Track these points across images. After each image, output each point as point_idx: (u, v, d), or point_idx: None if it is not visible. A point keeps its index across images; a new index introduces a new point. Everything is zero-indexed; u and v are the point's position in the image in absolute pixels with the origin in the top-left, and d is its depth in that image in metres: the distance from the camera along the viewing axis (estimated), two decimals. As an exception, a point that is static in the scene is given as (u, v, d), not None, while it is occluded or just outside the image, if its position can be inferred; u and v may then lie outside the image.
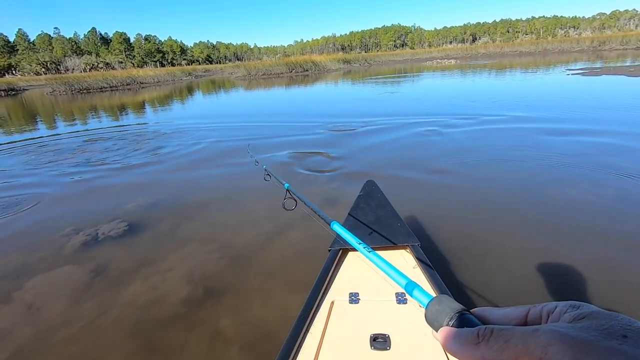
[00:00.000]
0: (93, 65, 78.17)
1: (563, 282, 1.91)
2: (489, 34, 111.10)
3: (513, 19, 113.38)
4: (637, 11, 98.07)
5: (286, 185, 1.41)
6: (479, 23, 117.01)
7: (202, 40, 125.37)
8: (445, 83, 14.57)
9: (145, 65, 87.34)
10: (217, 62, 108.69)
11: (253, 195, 3.50)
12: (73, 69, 74.15)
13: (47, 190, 4.04)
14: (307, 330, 1.15)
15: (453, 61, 36.54)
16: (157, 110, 12.29)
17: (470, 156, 4.23)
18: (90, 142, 6.90)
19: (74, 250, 2.58)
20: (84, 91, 26.60)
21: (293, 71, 31.17)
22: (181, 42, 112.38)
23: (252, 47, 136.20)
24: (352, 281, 1.40)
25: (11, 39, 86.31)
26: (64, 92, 26.16)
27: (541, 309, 0.28)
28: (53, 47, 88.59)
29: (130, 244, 2.64)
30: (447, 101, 8.86)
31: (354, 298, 1.30)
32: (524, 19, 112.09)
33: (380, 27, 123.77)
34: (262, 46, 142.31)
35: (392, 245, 1.55)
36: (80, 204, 3.60)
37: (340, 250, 1.56)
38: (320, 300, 1.29)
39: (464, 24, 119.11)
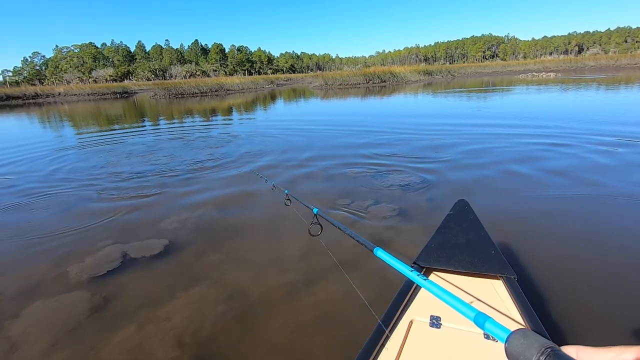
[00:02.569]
0: (192, 72, 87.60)
1: None
2: (599, 44, 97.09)
3: (633, 27, 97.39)
4: None
5: (315, 210, 1.34)
6: (587, 32, 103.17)
7: (288, 51, 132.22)
8: (552, 100, 12.64)
9: (235, 74, 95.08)
10: (299, 72, 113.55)
11: (287, 226, 3.05)
12: (175, 76, 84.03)
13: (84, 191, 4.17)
14: (383, 345, 1.12)
15: (552, 74, 32.34)
16: (230, 115, 12.83)
17: (584, 185, 3.61)
18: (163, 141, 7.29)
19: (88, 275, 2.39)
20: (179, 96, 29.60)
21: (370, 82, 30.67)
22: (269, 52, 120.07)
23: (333, 57, 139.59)
24: (434, 303, 1.31)
25: (132, 50, 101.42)
26: (163, 97, 29.42)
27: (637, 352, 0.26)
28: (163, 57, 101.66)
29: (148, 273, 2.38)
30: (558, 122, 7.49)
31: (435, 322, 1.24)
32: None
33: (468, 37, 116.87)
34: (343, 57, 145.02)
35: (483, 273, 1.45)
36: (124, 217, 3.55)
37: (424, 269, 1.51)
38: (399, 316, 1.25)
39: (569, 34, 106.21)
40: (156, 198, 3.93)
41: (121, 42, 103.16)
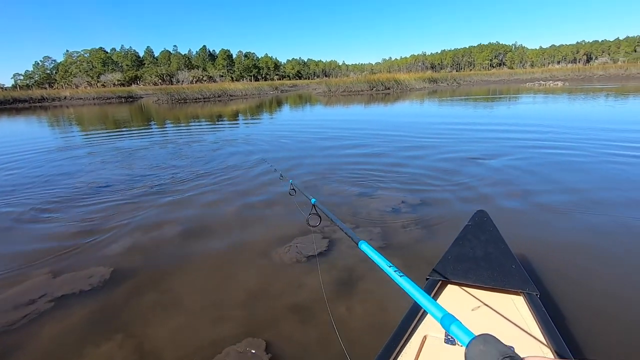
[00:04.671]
0: (199, 78, 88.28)
1: None
2: (609, 54, 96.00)
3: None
4: None
5: (313, 200, 1.33)
6: (596, 41, 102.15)
7: (295, 57, 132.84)
8: (565, 109, 12.19)
9: (242, 79, 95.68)
10: (306, 78, 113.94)
11: (241, 261, 2.69)
12: (183, 81, 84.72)
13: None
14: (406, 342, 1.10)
15: (560, 83, 31.77)
16: (219, 121, 12.58)
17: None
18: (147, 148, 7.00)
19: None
20: (182, 101, 29.59)
21: (374, 89, 30.40)
22: (275, 58, 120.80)
23: (340, 64, 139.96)
24: None
25: (141, 54, 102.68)
26: (165, 102, 29.43)
27: None
28: (170, 62, 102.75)
29: (65, 319, 2.03)
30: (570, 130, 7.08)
31: (449, 338, 1.14)
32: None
33: (475, 45, 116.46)
34: (350, 63, 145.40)
35: (503, 288, 1.39)
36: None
37: (440, 282, 1.45)
38: (412, 331, 1.20)
39: (577, 42, 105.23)
40: (114, 211, 3.59)
41: (130, 47, 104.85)
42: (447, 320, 0.40)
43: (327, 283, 2.23)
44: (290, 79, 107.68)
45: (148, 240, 3.01)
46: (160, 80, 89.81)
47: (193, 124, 12.98)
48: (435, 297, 1.38)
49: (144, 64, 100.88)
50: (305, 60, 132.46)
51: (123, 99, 39.19)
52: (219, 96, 32.71)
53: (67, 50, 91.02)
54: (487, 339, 0.31)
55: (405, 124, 9.80)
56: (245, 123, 12.90)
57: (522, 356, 0.30)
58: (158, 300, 2.15)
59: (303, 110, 18.04)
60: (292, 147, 7.20)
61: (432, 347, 1.15)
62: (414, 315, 1.25)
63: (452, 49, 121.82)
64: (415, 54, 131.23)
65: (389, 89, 30.68)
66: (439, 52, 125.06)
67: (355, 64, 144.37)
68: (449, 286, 1.47)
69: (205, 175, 5.10)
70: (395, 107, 16.80)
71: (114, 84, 78.78)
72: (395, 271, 0.59)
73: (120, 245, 2.91)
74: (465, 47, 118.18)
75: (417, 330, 1.22)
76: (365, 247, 0.77)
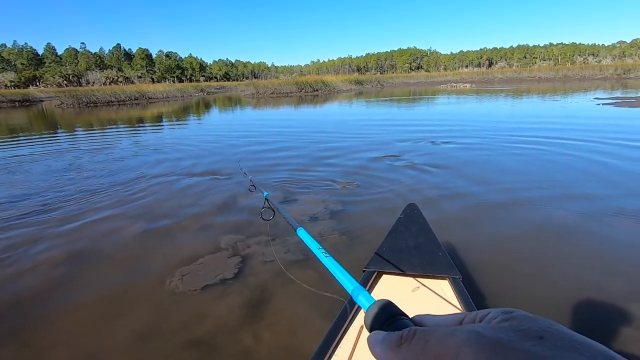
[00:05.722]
0: (113, 79, 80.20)
1: (619, 325, 1.77)
2: (505, 59, 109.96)
3: (530, 45, 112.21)
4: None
5: (265, 193, 1.38)
6: (495, 48, 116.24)
7: (222, 58, 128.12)
8: (480, 109, 13.36)
9: (164, 80, 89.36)
10: (234, 80, 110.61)
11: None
12: (94, 82, 76.20)
13: None
14: (332, 353, 1.10)
15: (468, 85, 35.39)
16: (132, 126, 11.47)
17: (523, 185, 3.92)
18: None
19: None
20: (91, 105, 26.45)
21: (302, 91, 30.58)
22: (201, 59, 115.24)
23: (269, 65, 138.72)
24: None
25: (40, 52, 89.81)
26: (71, 105, 26.07)
27: (475, 315, 0.27)
28: (78, 61, 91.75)
29: None
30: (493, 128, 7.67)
31: None
32: (541, 45, 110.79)
33: (396, 49, 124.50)
34: (279, 65, 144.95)
35: (431, 274, 1.50)
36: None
37: (376, 272, 1.53)
38: (348, 323, 1.23)
39: (480, 49, 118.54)
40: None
41: (26, 43, 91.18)
42: (356, 291, 0.43)
43: (244, 307, 2.00)
44: (217, 81, 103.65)
45: (15, 279, 2.46)
46: (65, 82, 79.57)
47: (108, 129, 11.57)
48: (372, 287, 1.45)
49: (45, 63, 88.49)
50: (233, 62, 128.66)
51: (17, 103, 33.88)
52: (136, 99, 29.96)
53: (-62, 46, 76.06)
54: (382, 302, 0.32)
55: (332, 124, 9.91)
56: (171, 127, 11.92)
57: None
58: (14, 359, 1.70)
59: (233, 112, 17.35)
60: (223, 151, 6.76)
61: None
62: (352, 305, 1.28)
63: (376, 52, 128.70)
64: (342, 56, 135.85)
65: (317, 90, 31.13)
66: (364, 55, 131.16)
67: (285, 66, 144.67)
68: (384, 276, 1.54)
69: (112, 188, 4.47)
70: (324, 108, 17.03)
71: (6, 86, 67.79)
72: (322, 252, 0.63)
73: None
74: (388, 51, 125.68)
75: (354, 321, 1.24)
76: (302, 232, 0.80)
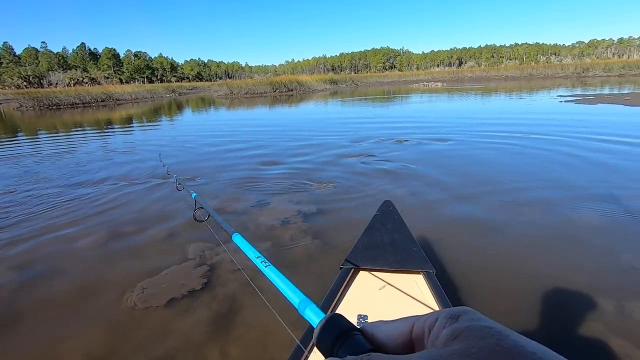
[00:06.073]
0: (78, 80, 76.48)
1: (584, 313, 1.85)
2: (474, 59, 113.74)
3: (497, 45, 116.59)
4: (613, 40, 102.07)
5: (194, 194, 1.33)
6: (465, 48, 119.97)
7: (194, 58, 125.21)
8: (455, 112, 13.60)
9: (133, 81, 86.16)
10: (207, 80, 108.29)
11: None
12: (57, 84, 72.35)
13: None
14: (311, 349, 1.10)
15: (440, 84, 36.26)
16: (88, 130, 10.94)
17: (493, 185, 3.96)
18: None
19: None
20: (54, 107, 25.07)
21: (277, 91, 30.30)
22: (172, 59, 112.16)
23: (243, 65, 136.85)
24: (362, 302, 1.36)
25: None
26: (31, 108, 24.62)
27: (424, 321, 0.26)
28: (39, 61, 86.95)
29: None
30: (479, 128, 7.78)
31: (362, 320, 1.25)
32: (507, 45, 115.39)
33: (369, 49, 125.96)
34: (253, 65, 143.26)
35: (406, 269, 1.53)
36: None
37: (352, 269, 1.54)
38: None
39: (451, 49, 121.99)
40: None
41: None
42: (303, 304, 0.40)
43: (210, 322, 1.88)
44: (189, 81, 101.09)
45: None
46: (25, 83, 75.15)
47: (74, 132, 10.95)
48: (348, 284, 1.46)
49: (1, 63, 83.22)
50: (206, 61, 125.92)
51: (-31, 106, 31.66)
52: (102, 100, 28.67)
53: None
54: (333, 319, 0.31)
55: (307, 123, 9.82)
56: (141, 128, 11.43)
57: None
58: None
59: (206, 113, 16.92)
60: (193, 152, 6.52)
61: None
62: (328, 303, 1.28)
63: (350, 52, 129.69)
64: (317, 56, 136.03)
65: (292, 90, 30.94)
66: (338, 55, 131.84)
67: (259, 66, 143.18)
68: (361, 272, 1.56)
69: (71, 195, 4.18)
70: (299, 108, 16.92)
71: (-45, 88, 63.26)
72: (261, 261, 0.60)
73: None
74: (361, 51, 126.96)
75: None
76: (238, 238, 0.76)
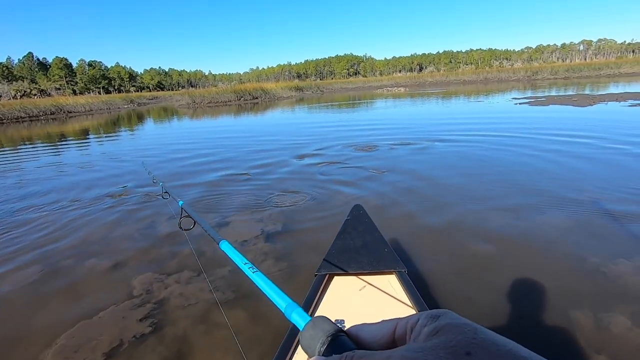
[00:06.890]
0: (25, 92, 71.27)
1: (551, 304, 1.92)
2: (434, 64, 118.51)
3: (454, 51, 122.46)
4: (557, 46, 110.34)
5: (180, 202, 1.32)
6: (424, 54, 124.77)
7: (154, 67, 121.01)
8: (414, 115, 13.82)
9: (88, 92, 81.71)
10: (169, 89, 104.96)
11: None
12: (1, 96, 67.05)
13: None
14: (294, 350, 1.12)
15: (402, 89, 37.26)
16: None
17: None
18: None
19: None
20: (-5, 122, 23.05)
21: (242, 99, 29.76)
22: (130, 68, 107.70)
23: (206, 74, 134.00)
24: (338, 307, 1.37)
25: None
26: (-32, 123, 22.49)
27: (406, 322, 0.27)
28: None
29: None
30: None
31: (340, 325, 1.20)
32: (463, 50, 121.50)
33: (334, 56, 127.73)
34: (217, 73, 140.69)
35: (379, 270, 1.54)
36: None
37: (327, 275, 1.55)
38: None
39: (411, 55, 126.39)
40: None
41: None
42: (289, 308, 0.41)
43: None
44: (150, 91, 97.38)
45: None
46: (-36, 97, 68.87)
47: (21, 148, 9.98)
48: (324, 290, 1.46)
49: None
50: (167, 70, 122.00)
51: None
52: (52, 113, 26.77)
53: None
54: (316, 321, 0.31)
55: (274, 131, 9.57)
56: (95, 141, 10.63)
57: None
58: None
59: (169, 123, 16.17)
60: (153, 164, 6.06)
61: None
62: (306, 310, 1.11)
63: (315, 59, 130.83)
64: (282, 63, 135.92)
65: (257, 98, 30.51)
66: (303, 61, 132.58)
67: (223, 74, 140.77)
68: (335, 277, 1.56)
69: (5, 219, 3.68)
70: (265, 116, 16.62)
71: None
72: (249, 267, 0.60)
73: None
74: (326, 58, 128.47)
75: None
76: (225, 245, 0.76)
